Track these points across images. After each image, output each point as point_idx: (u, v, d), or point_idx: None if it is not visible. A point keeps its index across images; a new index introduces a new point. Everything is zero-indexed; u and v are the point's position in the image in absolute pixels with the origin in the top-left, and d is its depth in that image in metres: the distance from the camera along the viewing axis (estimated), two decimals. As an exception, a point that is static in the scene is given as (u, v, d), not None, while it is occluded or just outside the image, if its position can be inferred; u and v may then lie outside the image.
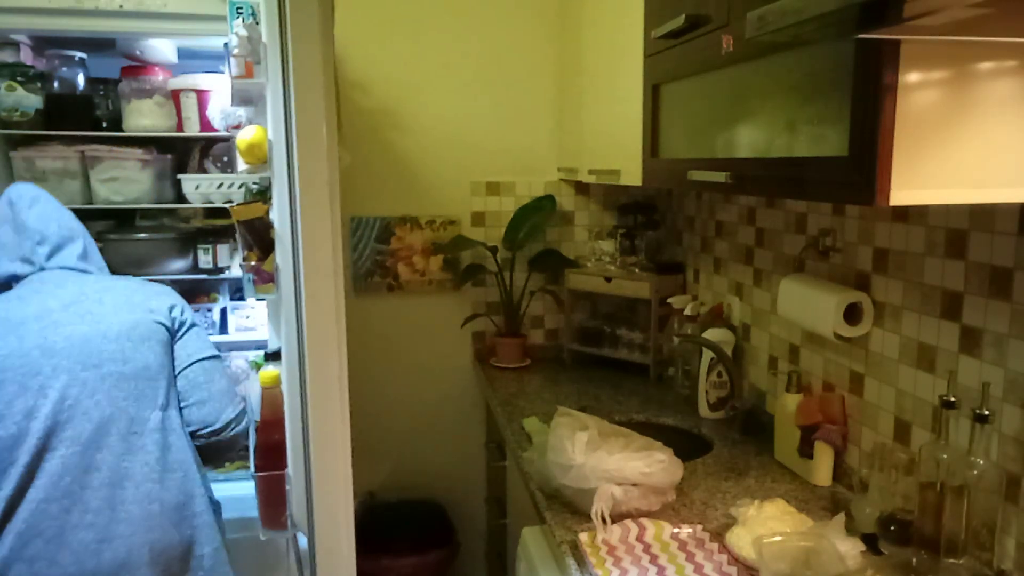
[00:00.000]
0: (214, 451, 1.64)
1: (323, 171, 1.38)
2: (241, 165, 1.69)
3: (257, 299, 1.85)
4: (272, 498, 1.56)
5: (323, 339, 1.42)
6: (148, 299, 1.61)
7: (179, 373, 1.60)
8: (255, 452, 1.57)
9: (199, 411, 1.58)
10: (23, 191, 1.65)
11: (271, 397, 1.56)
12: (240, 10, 1.62)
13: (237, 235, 1.71)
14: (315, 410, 1.44)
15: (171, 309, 1.63)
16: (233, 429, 1.62)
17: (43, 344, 1.46)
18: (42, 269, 1.59)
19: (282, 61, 1.39)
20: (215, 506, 1.62)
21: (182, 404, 1.58)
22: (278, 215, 1.51)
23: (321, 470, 1.46)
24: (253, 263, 1.65)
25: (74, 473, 1.40)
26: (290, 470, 1.53)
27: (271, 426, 1.56)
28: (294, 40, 1.33)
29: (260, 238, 1.64)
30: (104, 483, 1.41)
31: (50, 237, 1.61)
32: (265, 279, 1.65)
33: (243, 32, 1.56)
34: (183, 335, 1.63)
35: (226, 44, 1.64)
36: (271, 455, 1.55)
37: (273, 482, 1.55)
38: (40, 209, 1.63)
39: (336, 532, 1.49)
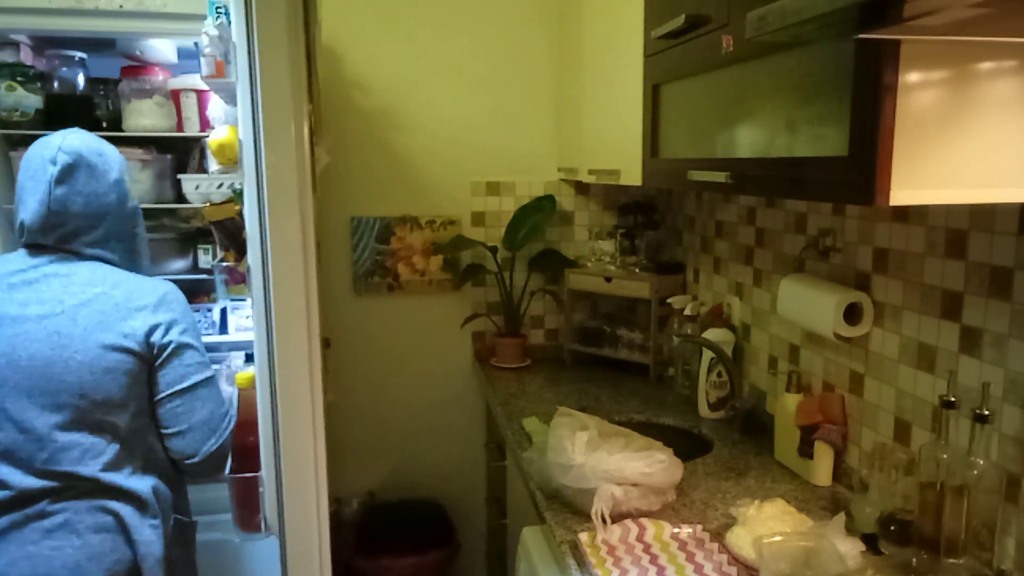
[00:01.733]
0: (202, 471, 1.60)
1: (291, 172, 1.36)
2: (213, 165, 1.68)
3: (231, 299, 1.84)
4: (246, 500, 1.53)
5: (292, 341, 1.41)
6: (128, 317, 1.48)
7: (158, 400, 1.51)
8: (231, 454, 1.55)
9: (179, 442, 1.53)
10: (63, 156, 1.49)
11: (247, 399, 1.53)
12: (219, 9, 1.62)
13: (214, 235, 1.69)
14: (285, 412, 1.42)
15: (151, 332, 1.49)
16: (215, 460, 1.56)
17: (10, 354, 1.43)
18: (48, 248, 1.52)
19: (249, 60, 1.38)
20: (182, 528, 1.60)
21: (163, 431, 1.53)
22: (248, 216, 1.49)
23: (292, 473, 1.44)
24: (226, 264, 1.64)
25: (31, 490, 1.41)
26: (263, 472, 1.52)
27: (246, 428, 1.53)
28: (260, 39, 1.31)
29: (234, 239, 1.62)
30: (55, 506, 1.42)
31: (67, 222, 1.50)
32: (238, 280, 1.63)
33: (213, 31, 1.55)
34: (165, 360, 1.51)
35: (196, 43, 1.63)
36: (245, 457, 1.53)
37: (247, 484, 1.52)
38: (68, 188, 1.49)
39: (308, 535, 1.47)
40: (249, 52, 1.37)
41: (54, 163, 1.49)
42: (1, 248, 2.16)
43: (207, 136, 2.24)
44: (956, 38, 0.86)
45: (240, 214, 1.61)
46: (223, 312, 2.46)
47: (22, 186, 1.52)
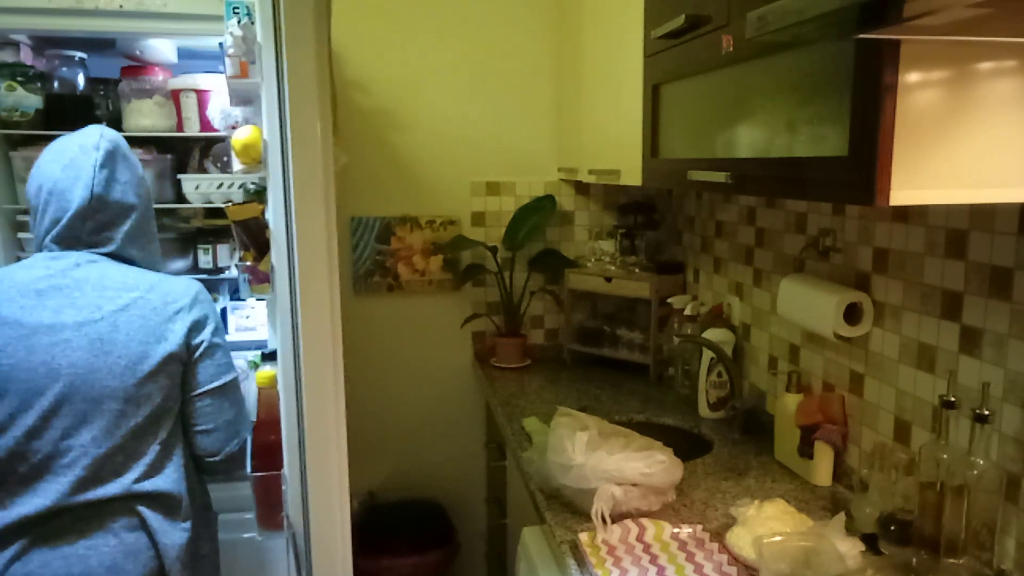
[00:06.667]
0: (221, 470, 1.61)
1: (318, 171, 1.37)
2: (237, 165, 1.69)
3: (256, 299, 1.85)
4: (268, 498, 1.55)
5: (318, 339, 1.42)
6: (167, 322, 1.48)
7: (190, 397, 1.52)
8: (251, 453, 1.55)
9: (204, 439, 1.53)
10: (105, 143, 1.51)
11: (267, 397, 1.55)
12: (236, 10, 1.62)
13: (233, 235, 1.70)
14: (310, 410, 1.44)
15: (189, 332, 1.50)
16: (235, 459, 1.58)
17: (49, 363, 1.41)
18: (77, 243, 1.50)
19: (276, 61, 1.39)
20: (209, 521, 1.60)
21: (191, 427, 1.53)
22: (273, 215, 1.51)
23: (316, 470, 1.46)
24: (248, 263, 1.65)
25: (67, 495, 1.41)
26: (286, 470, 1.53)
27: (267, 426, 1.55)
28: (288, 40, 1.33)
29: (255, 238, 1.64)
30: (93, 504, 1.42)
31: (107, 208, 1.49)
32: (261, 279, 1.64)
33: (238, 32, 1.56)
34: (199, 359, 1.52)
35: (221, 44, 1.64)
36: (267, 455, 1.54)
37: (269, 482, 1.54)
38: (109, 173, 1.49)
39: (332, 532, 1.49)
40: (276, 53, 1.38)
41: (97, 149, 1.50)
42: (1, 248, 2.16)
43: (212, 135, 2.26)
44: (956, 38, 0.86)
45: (263, 213, 1.62)
46: (223, 312, 2.46)
47: (55, 182, 1.48)
